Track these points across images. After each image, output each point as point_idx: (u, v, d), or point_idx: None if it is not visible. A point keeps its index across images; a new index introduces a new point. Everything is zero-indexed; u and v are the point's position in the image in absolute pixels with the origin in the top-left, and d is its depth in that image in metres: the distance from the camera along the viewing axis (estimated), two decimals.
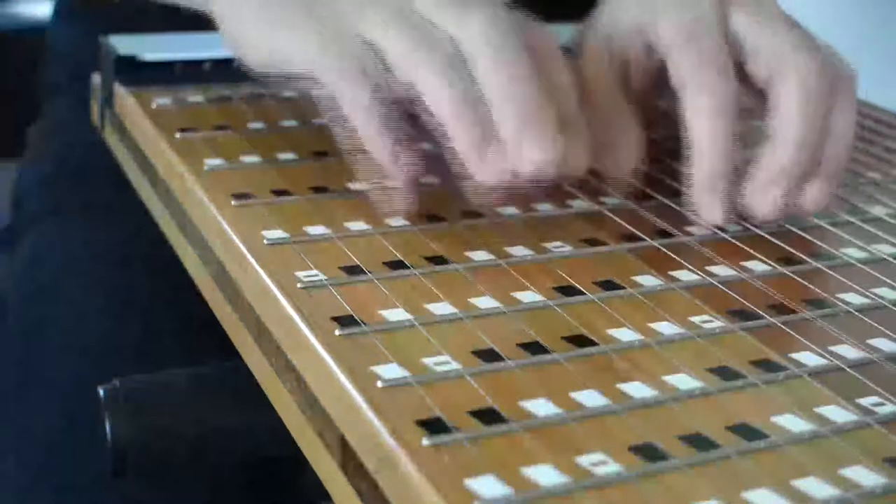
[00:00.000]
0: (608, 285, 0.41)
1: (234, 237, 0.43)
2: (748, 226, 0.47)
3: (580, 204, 0.47)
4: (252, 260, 0.41)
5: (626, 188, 0.49)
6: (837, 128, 0.47)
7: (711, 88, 0.46)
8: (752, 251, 0.44)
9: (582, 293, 0.40)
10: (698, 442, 0.32)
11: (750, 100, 0.49)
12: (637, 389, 0.34)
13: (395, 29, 0.44)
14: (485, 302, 0.39)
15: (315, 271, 0.40)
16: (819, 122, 0.46)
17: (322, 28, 0.45)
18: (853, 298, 0.41)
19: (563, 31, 0.70)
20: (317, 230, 0.43)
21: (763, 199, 0.46)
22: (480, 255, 0.42)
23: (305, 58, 0.45)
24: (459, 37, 0.44)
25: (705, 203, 0.46)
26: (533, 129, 0.42)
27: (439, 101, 0.43)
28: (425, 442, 0.31)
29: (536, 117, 0.42)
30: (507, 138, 0.42)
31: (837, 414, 0.34)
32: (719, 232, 0.46)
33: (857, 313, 0.40)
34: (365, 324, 0.37)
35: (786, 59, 0.47)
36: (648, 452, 0.31)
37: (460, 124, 0.42)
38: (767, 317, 0.39)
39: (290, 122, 0.55)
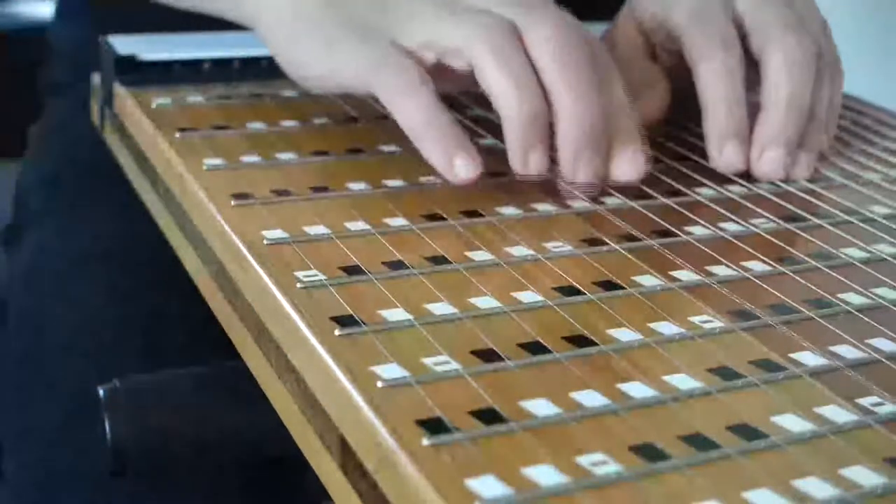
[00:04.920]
0: (608, 285, 0.41)
1: (234, 237, 0.43)
2: (748, 224, 0.47)
3: (580, 204, 0.47)
4: (252, 260, 0.41)
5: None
6: (824, 98, 0.53)
7: (718, 55, 0.52)
8: (752, 251, 0.44)
9: (582, 293, 0.40)
10: (698, 442, 0.32)
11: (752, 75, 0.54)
12: (637, 389, 0.34)
13: (451, 24, 0.47)
14: (485, 302, 0.39)
15: (315, 271, 0.40)
16: (804, 86, 0.52)
17: (375, 43, 0.47)
18: (853, 298, 0.41)
19: None
20: (317, 230, 0.43)
21: (762, 160, 0.52)
22: (480, 255, 0.42)
23: (362, 78, 0.47)
24: (529, 38, 0.46)
25: (720, 153, 0.52)
26: (587, 156, 0.46)
27: (502, 100, 0.45)
28: (425, 442, 0.31)
29: (594, 144, 0.46)
30: (563, 160, 0.46)
31: (837, 414, 0.34)
32: (719, 231, 0.46)
33: (857, 313, 0.40)
34: (365, 324, 0.37)
35: (774, 35, 0.53)
36: (648, 452, 0.31)
37: (514, 125, 0.46)
38: (767, 317, 0.39)
39: (290, 123, 0.55)
